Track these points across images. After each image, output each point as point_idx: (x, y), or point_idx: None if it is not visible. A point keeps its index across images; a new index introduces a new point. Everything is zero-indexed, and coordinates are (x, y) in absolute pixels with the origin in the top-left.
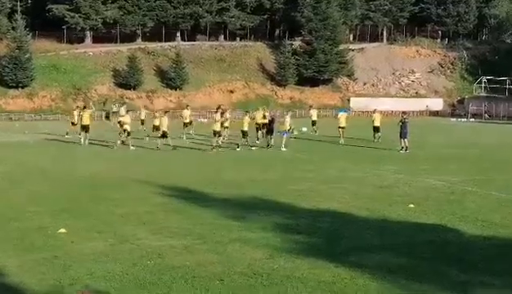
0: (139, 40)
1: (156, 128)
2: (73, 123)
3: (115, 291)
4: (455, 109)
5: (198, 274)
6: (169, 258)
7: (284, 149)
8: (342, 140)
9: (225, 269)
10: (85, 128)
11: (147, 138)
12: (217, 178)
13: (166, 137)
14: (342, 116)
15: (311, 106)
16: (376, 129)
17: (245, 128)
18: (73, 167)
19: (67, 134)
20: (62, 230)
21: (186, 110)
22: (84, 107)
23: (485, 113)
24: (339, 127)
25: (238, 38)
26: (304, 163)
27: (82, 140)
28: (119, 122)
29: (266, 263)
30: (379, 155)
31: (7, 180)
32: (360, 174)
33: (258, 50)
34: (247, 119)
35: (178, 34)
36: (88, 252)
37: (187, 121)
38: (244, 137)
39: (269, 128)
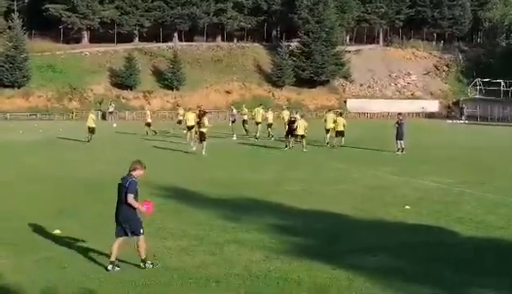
0: (136, 40)
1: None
2: (179, 122)
3: (110, 292)
4: (451, 111)
5: (194, 276)
6: (165, 260)
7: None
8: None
9: (221, 271)
10: (190, 128)
11: None
12: (212, 178)
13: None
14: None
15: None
16: (327, 131)
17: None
18: (69, 168)
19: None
20: (57, 231)
21: (147, 111)
22: (189, 108)
23: (462, 114)
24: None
25: (235, 39)
26: (299, 164)
27: (188, 140)
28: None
29: (262, 264)
30: (374, 157)
31: (2, 181)
32: (356, 175)
33: (255, 51)
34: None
35: (176, 35)
36: (83, 253)
37: (149, 121)
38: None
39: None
